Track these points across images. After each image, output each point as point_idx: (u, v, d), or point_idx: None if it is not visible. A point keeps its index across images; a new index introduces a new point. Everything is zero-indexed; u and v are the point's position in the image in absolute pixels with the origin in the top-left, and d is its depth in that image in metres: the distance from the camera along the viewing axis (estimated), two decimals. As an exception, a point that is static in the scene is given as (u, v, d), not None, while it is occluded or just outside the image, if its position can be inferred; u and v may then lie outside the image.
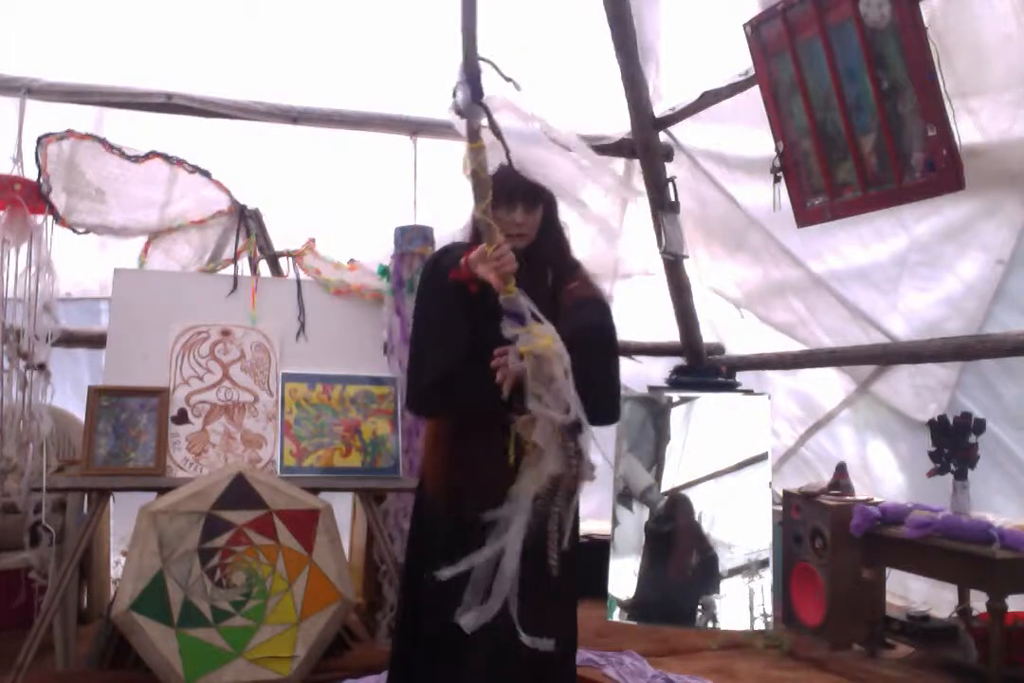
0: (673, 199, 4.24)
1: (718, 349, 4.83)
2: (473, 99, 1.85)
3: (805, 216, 3.31)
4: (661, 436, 4.23)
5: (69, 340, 3.53)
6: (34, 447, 3.03)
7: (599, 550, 4.05)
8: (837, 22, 2.88)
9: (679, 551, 4.01)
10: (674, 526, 4.04)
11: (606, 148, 4.30)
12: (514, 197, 2.09)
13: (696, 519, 4.04)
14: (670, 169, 4.31)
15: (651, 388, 4.46)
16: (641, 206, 4.41)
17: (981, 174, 2.81)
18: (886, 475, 4.00)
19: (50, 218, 3.25)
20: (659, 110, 4.20)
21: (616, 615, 3.93)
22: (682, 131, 4.30)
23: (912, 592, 3.84)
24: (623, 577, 3.99)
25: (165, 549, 2.76)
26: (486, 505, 1.89)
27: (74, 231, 3.38)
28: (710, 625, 3.86)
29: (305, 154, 3.90)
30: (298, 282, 3.50)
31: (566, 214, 2.20)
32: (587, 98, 4.16)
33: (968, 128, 2.83)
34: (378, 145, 3.99)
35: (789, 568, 3.79)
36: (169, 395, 3.19)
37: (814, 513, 3.64)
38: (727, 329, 4.81)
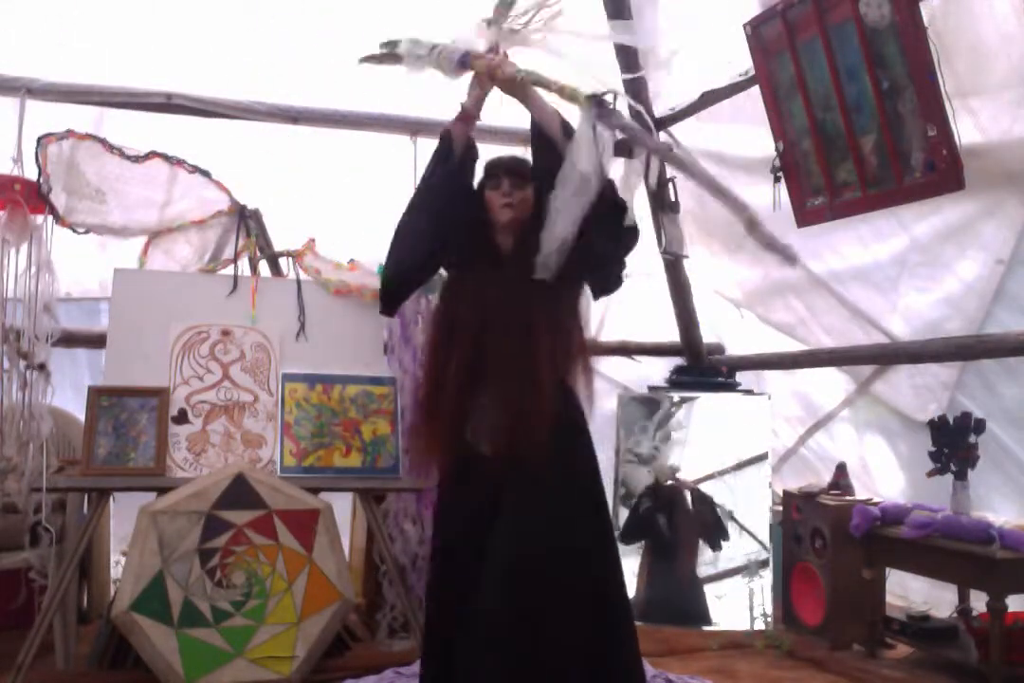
0: (673, 199, 4.24)
1: (718, 349, 4.83)
2: None
3: (805, 216, 3.31)
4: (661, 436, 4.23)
5: (69, 340, 3.52)
6: (34, 447, 3.03)
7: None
8: (837, 22, 2.88)
9: (684, 545, 4.04)
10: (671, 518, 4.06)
11: (606, 148, 4.30)
12: (500, 171, 2.37)
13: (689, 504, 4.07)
14: (670, 169, 4.30)
15: (651, 388, 4.46)
16: (641, 206, 4.41)
17: (981, 174, 2.81)
18: (886, 475, 4.00)
19: (50, 218, 3.24)
20: (659, 110, 4.20)
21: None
22: (682, 131, 4.29)
23: (912, 592, 3.84)
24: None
25: (165, 549, 2.76)
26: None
27: (74, 231, 3.38)
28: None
29: (305, 154, 3.90)
30: (298, 282, 3.50)
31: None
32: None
33: (968, 128, 2.82)
34: (378, 145, 3.99)
35: (789, 568, 3.79)
36: (169, 395, 3.19)
37: (814, 513, 3.64)
38: (727, 329, 4.81)
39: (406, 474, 3.40)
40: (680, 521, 4.06)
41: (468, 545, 2.23)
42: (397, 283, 2.48)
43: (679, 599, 3.98)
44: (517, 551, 2.17)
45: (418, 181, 2.51)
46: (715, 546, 4.00)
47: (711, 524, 4.02)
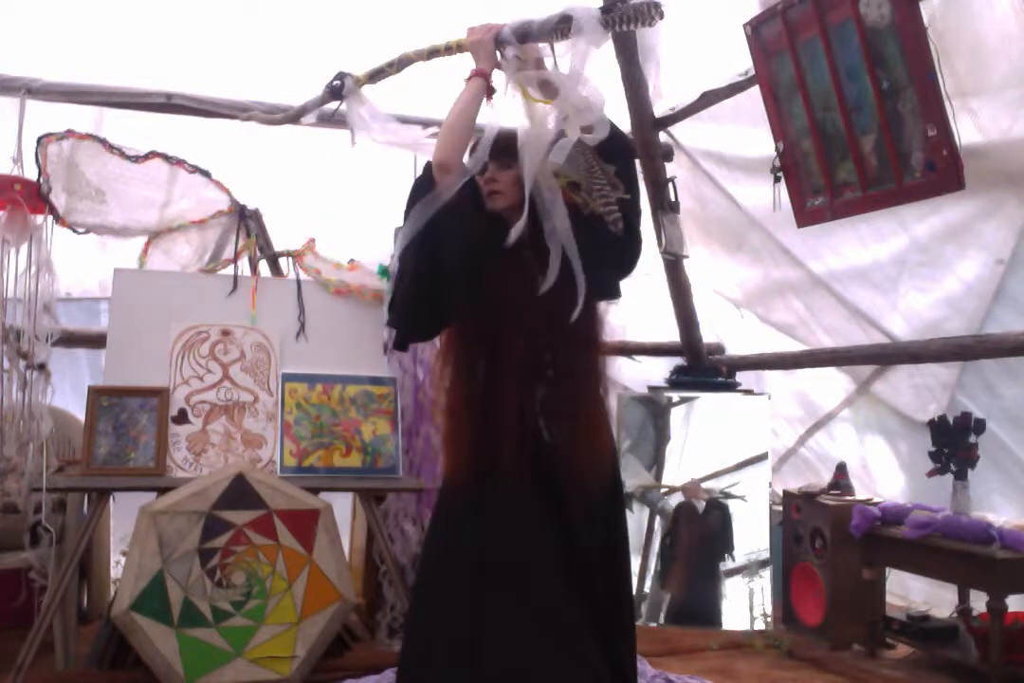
0: (673, 199, 4.24)
1: (718, 349, 4.83)
2: None
3: (805, 216, 3.31)
4: (661, 436, 4.23)
5: (69, 340, 3.52)
6: (34, 447, 3.03)
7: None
8: (837, 22, 2.88)
9: (686, 553, 4.04)
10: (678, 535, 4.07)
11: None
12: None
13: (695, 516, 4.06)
14: (670, 169, 4.31)
15: (651, 388, 4.46)
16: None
17: (981, 174, 2.81)
18: (886, 475, 4.00)
19: (50, 218, 3.24)
20: (659, 110, 4.20)
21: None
22: (682, 131, 4.30)
23: (912, 592, 3.84)
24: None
25: (165, 549, 2.76)
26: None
27: (74, 231, 3.38)
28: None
29: (305, 154, 3.90)
30: (298, 282, 3.50)
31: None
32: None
33: (968, 128, 2.83)
34: (378, 145, 3.98)
35: (789, 568, 3.79)
36: (169, 395, 3.19)
37: (814, 513, 3.64)
38: (727, 329, 4.81)
39: (406, 474, 3.41)
40: (691, 527, 4.05)
41: (546, 548, 2.11)
42: (416, 332, 2.33)
43: (688, 601, 3.98)
44: (617, 563, 2.23)
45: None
46: (718, 556, 4.00)
47: (719, 533, 4.02)
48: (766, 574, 3.94)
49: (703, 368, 4.60)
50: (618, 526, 2.27)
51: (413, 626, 2.20)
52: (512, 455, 2.10)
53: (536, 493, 2.12)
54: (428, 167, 2.20)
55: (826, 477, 3.92)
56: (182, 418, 3.19)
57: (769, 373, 4.54)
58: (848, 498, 3.63)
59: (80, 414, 3.33)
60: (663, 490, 4.13)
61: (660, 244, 4.23)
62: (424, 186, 2.18)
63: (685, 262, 4.43)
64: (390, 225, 3.64)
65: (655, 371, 4.72)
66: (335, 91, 2.50)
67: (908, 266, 3.53)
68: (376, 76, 2.50)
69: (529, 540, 2.10)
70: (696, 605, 3.97)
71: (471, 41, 2.20)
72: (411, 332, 2.31)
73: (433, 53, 2.31)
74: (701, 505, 4.07)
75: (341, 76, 2.48)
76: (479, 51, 2.18)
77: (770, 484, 4.10)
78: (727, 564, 3.99)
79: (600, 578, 2.16)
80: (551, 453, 2.14)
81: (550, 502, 2.12)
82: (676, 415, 4.26)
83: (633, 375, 4.69)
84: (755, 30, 3.21)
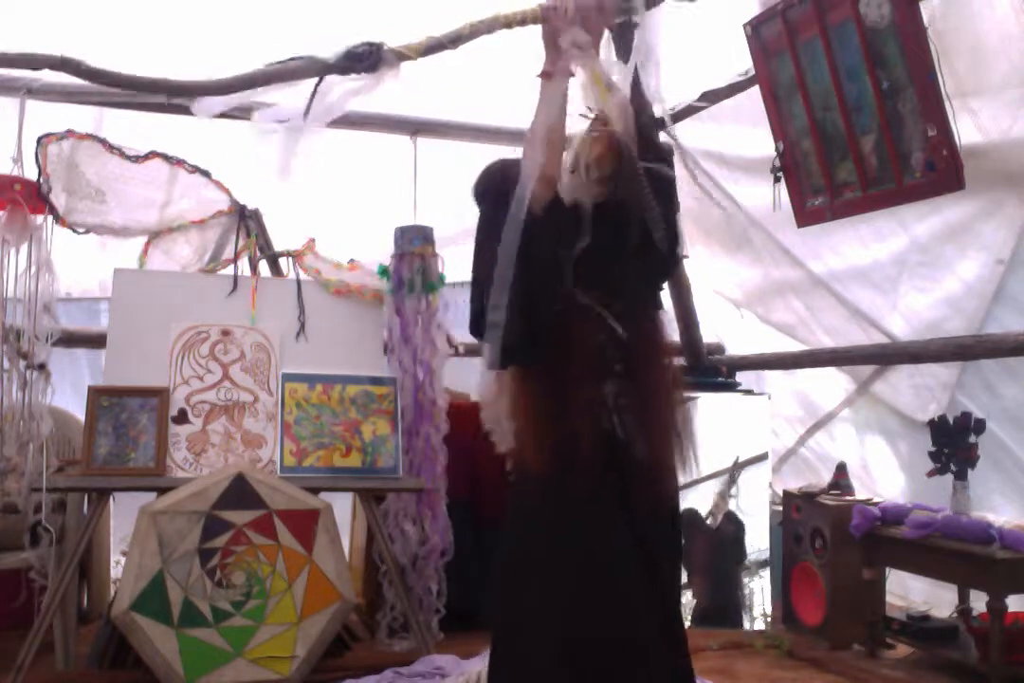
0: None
1: (718, 349, 4.83)
2: None
3: (805, 216, 3.30)
4: (661, 436, 4.22)
5: (69, 340, 3.53)
6: (34, 447, 3.03)
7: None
8: (837, 22, 2.88)
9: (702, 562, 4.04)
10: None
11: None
12: None
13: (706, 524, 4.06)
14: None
15: (651, 388, 4.45)
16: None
17: (981, 174, 2.81)
18: (886, 475, 4.00)
19: (50, 218, 3.24)
20: (659, 110, 4.20)
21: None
22: (682, 131, 4.29)
23: (912, 592, 3.84)
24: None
25: (165, 549, 2.76)
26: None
27: (74, 231, 3.38)
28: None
29: (305, 154, 3.89)
30: (298, 282, 3.50)
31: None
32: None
33: (968, 128, 2.83)
34: (378, 145, 3.99)
35: (789, 568, 3.79)
36: (169, 395, 3.19)
37: (814, 513, 3.64)
38: (727, 329, 4.81)
39: (406, 474, 3.41)
40: (703, 536, 4.05)
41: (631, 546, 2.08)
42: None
43: (711, 605, 3.98)
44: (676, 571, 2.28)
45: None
46: (736, 562, 4.00)
47: (734, 543, 4.01)
48: (766, 574, 3.94)
49: (703, 368, 4.60)
50: (680, 532, 2.26)
51: (501, 627, 2.13)
52: (585, 452, 2.00)
53: (608, 495, 2.06)
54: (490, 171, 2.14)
55: (826, 477, 3.92)
56: (182, 418, 3.19)
57: (769, 373, 4.54)
58: (848, 498, 3.63)
59: (80, 414, 3.33)
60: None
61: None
62: (500, 196, 2.04)
63: (685, 262, 4.43)
64: (390, 225, 3.64)
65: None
66: (368, 60, 2.17)
67: (908, 266, 3.53)
68: (430, 51, 2.23)
69: (606, 542, 2.05)
70: (718, 608, 3.96)
71: (553, 30, 1.99)
72: (519, 352, 2.10)
73: (507, 24, 2.09)
74: (713, 516, 4.06)
75: (374, 45, 2.16)
76: (561, 43, 1.98)
77: (770, 484, 4.10)
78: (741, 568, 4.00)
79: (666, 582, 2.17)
80: (625, 451, 2.06)
81: (621, 504, 2.06)
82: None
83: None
84: (755, 30, 3.21)
